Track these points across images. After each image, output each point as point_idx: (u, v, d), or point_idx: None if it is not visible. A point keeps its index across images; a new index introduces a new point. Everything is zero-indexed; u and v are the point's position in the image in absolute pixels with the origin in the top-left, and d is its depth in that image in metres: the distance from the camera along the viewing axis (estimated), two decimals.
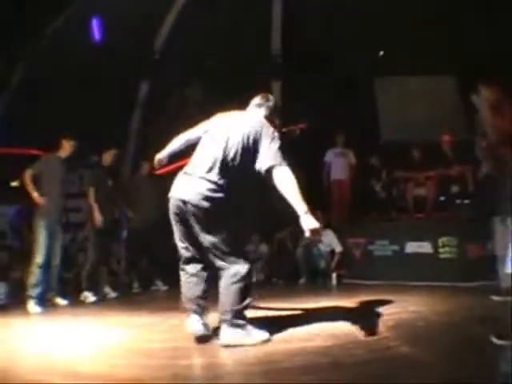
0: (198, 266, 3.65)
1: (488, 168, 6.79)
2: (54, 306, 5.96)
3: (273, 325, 4.51)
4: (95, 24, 9.10)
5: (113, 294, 6.85)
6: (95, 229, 6.68)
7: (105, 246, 6.94)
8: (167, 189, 3.64)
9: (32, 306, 5.62)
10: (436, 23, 8.59)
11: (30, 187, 5.94)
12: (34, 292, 5.72)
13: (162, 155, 4.00)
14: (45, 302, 5.83)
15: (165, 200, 3.67)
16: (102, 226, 6.65)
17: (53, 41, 8.96)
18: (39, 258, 5.83)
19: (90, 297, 6.42)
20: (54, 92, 8.86)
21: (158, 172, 4.95)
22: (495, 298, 4.76)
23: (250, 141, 3.51)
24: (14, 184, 10.29)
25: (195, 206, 3.43)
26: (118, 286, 7.50)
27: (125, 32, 8.81)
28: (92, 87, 8.89)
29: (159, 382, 2.72)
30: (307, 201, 3.33)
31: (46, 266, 5.89)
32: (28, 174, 5.99)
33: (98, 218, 6.61)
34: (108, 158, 7.08)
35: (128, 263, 8.62)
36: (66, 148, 6.28)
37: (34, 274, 5.79)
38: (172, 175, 3.70)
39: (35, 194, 5.89)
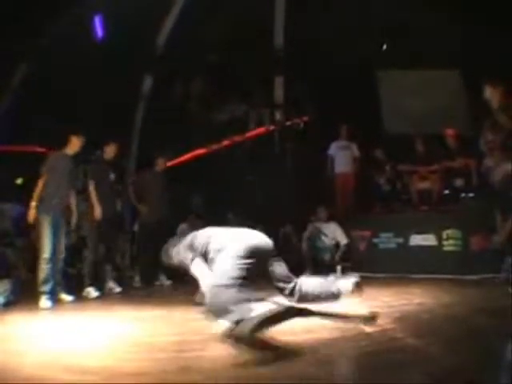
0: None
1: (492, 162, 6.78)
2: (59, 301, 5.92)
3: None
4: (98, 21, 9.09)
5: (117, 289, 6.83)
6: (95, 223, 6.63)
7: (109, 241, 6.92)
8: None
9: (44, 302, 5.59)
10: (439, 16, 8.54)
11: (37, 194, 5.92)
12: (45, 287, 5.69)
13: None
14: (55, 296, 5.82)
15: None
16: (103, 219, 6.60)
17: (55, 38, 8.95)
18: (46, 252, 5.78)
19: (92, 292, 6.37)
20: (57, 89, 8.86)
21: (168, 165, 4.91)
22: None
23: None
24: (18, 182, 10.33)
25: None
26: (122, 280, 7.51)
27: (127, 28, 8.80)
28: (95, 83, 8.88)
29: (166, 376, 2.73)
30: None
31: (54, 261, 5.86)
32: (43, 179, 5.97)
33: (97, 211, 6.58)
34: (110, 151, 7.04)
35: (131, 257, 8.62)
36: (75, 144, 6.22)
37: (44, 270, 5.76)
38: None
39: (33, 204, 5.86)
